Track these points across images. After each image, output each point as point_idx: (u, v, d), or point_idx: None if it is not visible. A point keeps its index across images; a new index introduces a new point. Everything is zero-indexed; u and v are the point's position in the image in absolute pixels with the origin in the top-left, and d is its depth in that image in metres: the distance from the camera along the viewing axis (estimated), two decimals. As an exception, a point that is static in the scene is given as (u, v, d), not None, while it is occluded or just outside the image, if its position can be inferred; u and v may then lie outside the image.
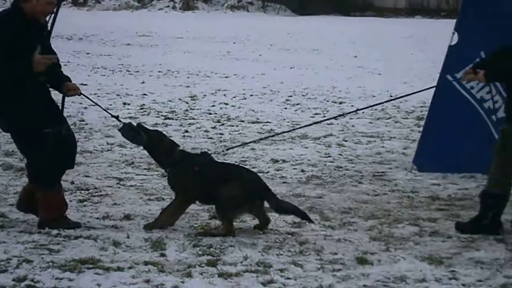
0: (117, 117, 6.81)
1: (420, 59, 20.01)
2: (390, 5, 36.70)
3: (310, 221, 6.63)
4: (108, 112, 7.07)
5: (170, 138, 6.93)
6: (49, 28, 6.59)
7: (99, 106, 7.22)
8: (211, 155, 6.85)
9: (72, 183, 8.03)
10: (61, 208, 6.55)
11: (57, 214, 6.50)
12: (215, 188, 6.48)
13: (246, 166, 9.02)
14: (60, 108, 6.68)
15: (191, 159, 6.68)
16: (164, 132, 7.22)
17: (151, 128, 6.80)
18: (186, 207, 6.68)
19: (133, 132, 6.65)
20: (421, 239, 6.55)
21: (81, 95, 6.74)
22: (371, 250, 6.19)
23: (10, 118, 6.39)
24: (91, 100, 7.11)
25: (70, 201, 7.34)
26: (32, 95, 6.34)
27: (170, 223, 6.56)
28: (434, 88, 8.94)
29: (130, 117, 11.96)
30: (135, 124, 6.85)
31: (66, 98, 6.76)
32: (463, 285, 5.51)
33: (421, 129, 9.80)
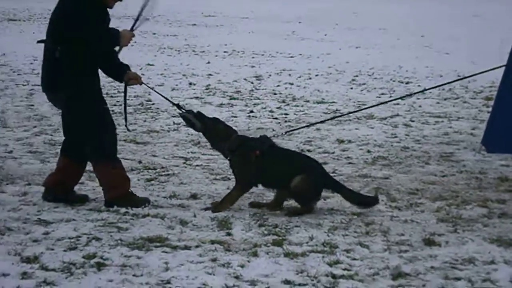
0: (178, 105, 6.83)
1: (488, 38, 19.64)
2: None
3: (376, 201, 6.59)
4: (169, 100, 7.06)
5: (228, 125, 6.91)
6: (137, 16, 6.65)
7: (160, 95, 7.23)
8: (271, 138, 6.82)
9: (140, 162, 8.13)
10: (124, 184, 6.59)
11: (122, 191, 6.56)
12: (282, 175, 6.48)
13: (311, 147, 9.02)
14: (123, 97, 6.74)
15: (249, 144, 6.68)
16: (223, 119, 7.21)
17: (208, 116, 6.81)
18: (246, 191, 6.70)
19: (189, 121, 6.70)
20: (490, 220, 6.46)
21: (142, 84, 6.77)
22: (439, 232, 6.12)
23: (70, 96, 6.44)
24: (153, 89, 7.14)
25: (138, 180, 7.46)
26: (92, 73, 6.47)
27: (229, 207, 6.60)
28: (504, 68, 8.77)
29: (196, 97, 12.05)
30: (194, 111, 6.85)
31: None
32: (533, 268, 5.41)
33: (489, 109, 9.64)
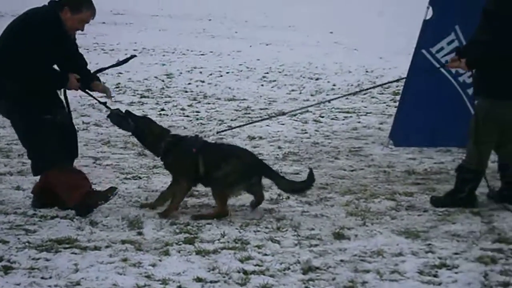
0: (105, 104, 6.71)
1: (395, 34, 20.01)
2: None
3: (311, 179, 6.52)
4: (97, 100, 6.81)
5: (160, 124, 6.80)
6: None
7: (89, 94, 6.92)
8: (202, 137, 6.78)
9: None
10: (80, 185, 6.36)
11: (85, 190, 6.34)
12: (215, 168, 6.40)
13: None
14: (64, 99, 6.58)
15: (186, 142, 6.57)
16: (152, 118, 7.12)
17: (140, 115, 6.71)
18: (189, 189, 6.57)
19: (121, 119, 6.57)
20: (398, 213, 6.59)
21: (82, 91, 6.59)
22: (348, 225, 6.21)
23: (13, 104, 6.30)
24: (86, 92, 6.84)
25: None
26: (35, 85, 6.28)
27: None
28: (410, 63, 8.95)
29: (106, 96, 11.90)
30: (122, 110, 6.74)
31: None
32: (440, 258, 5.54)
33: (397, 104, 9.83)
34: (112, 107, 6.71)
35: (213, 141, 7.02)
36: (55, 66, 6.45)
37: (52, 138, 6.33)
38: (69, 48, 6.44)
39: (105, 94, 6.60)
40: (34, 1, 6.56)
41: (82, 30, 6.42)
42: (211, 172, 6.42)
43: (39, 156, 6.36)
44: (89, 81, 6.54)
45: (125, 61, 6.86)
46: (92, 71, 6.62)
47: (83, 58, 6.62)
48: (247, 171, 6.46)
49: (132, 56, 6.95)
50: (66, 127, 6.45)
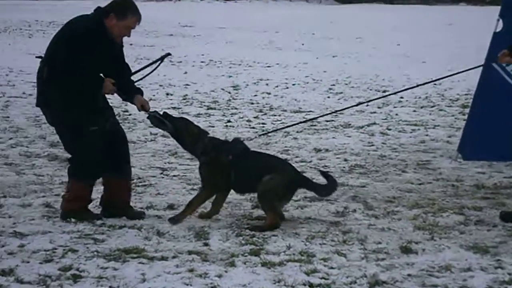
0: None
1: (464, 47, 19.79)
2: (434, -8, 36.35)
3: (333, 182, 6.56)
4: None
5: (198, 125, 6.81)
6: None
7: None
8: (244, 141, 6.73)
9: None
10: (84, 200, 6.55)
11: (79, 205, 6.50)
12: (254, 178, 6.42)
13: (288, 156, 9.02)
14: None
15: (223, 147, 6.58)
16: (195, 121, 7.15)
17: (177, 115, 6.74)
18: (210, 197, 6.58)
19: (158, 121, 6.62)
20: (466, 228, 6.48)
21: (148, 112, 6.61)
22: (416, 239, 6.14)
23: (58, 113, 6.42)
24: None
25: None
26: (80, 96, 6.36)
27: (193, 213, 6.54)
28: (479, 75, 8.82)
29: (173, 107, 12.03)
30: (160, 112, 6.73)
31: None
32: (509, 274, 5.43)
33: (465, 117, 9.70)
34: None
35: (254, 149, 6.97)
36: (101, 75, 6.51)
37: (93, 152, 6.41)
38: (116, 55, 6.49)
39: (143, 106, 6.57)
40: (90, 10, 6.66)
41: (129, 36, 6.45)
42: (248, 181, 6.41)
43: (76, 165, 6.49)
44: (132, 93, 6.56)
45: (160, 60, 6.82)
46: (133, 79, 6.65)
47: (129, 68, 6.65)
48: (292, 185, 6.46)
49: (167, 55, 6.91)
50: (115, 134, 6.52)
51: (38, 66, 6.47)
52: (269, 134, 9.66)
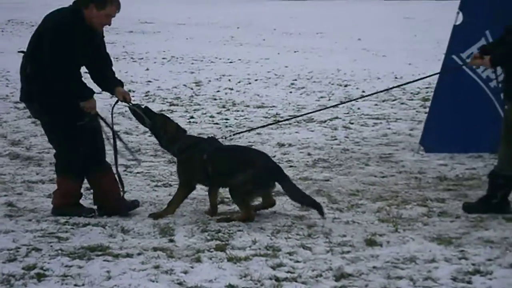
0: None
1: (424, 40, 19.94)
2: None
3: (320, 210, 6.43)
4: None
5: (176, 123, 6.85)
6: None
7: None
8: (218, 140, 6.80)
9: (79, 171, 8.02)
10: (73, 195, 6.54)
11: (69, 201, 6.51)
12: (229, 173, 6.42)
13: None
14: (111, 110, 6.63)
15: (199, 145, 6.61)
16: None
17: (157, 112, 6.76)
18: (189, 193, 6.65)
19: (138, 115, 6.65)
20: (430, 219, 6.54)
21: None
22: (380, 232, 6.18)
23: (44, 109, 6.38)
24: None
25: (78, 189, 7.35)
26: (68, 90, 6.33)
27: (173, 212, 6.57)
28: (440, 68, 8.90)
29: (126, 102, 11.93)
30: (142, 106, 6.81)
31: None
32: (473, 264, 5.49)
33: (427, 110, 9.77)
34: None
35: (229, 145, 6.96)
36: (83, 66, 6.49)
37: (82, 147, 6.38)
38: (97, 45, 6.47)
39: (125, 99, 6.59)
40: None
41: (109, 24, 6.44)
42: (225, 179, 6.42)
43: (63, 161, 6.50)
44: (113, 84, 6.58)
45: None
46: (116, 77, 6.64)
47: (110, 58, 6.65)
48: (266, 178, 6.45)
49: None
50: (95, 129, 6.49)
51: (21, 61, 6.40)
52: (234, 129, 9.66)
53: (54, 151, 6.64)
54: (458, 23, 8.68)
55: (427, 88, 13.03)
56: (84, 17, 6.29)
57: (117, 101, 6.68)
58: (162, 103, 12.18)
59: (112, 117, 6.69)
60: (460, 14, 8.66)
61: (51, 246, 5.79)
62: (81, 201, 6.63)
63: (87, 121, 6.37)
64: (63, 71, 6.24)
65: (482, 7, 8.60)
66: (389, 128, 10.38)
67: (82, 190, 6.65)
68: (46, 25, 6.34)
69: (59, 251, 5.67)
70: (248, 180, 6.35)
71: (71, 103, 6.33)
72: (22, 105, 6.61)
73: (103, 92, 6.70)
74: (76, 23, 6.27)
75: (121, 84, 6.64)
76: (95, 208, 6.58)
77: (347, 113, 11.35)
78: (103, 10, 6.31)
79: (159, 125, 6.66)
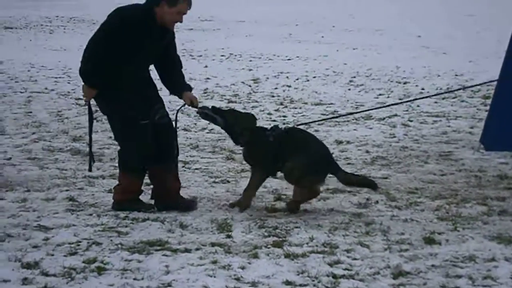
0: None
1: (485, 37, 19.67)
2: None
3: (375, 187, 6.61)
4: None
5: (248, 113, 6.89)
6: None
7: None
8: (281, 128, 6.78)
9: (139, 167, 8.12)
10: (133, 191, 6.62)
11: (129, 196, 6.59)
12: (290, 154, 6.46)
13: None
14: (175, 116, 6.71)
15: (264, 132, 6.63)
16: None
17: (225, 108, 6.81)
18: (265, 179, 6.67)
19: (209, 117, 6.68)
20: (490, 218, 6.46)
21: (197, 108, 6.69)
22: (439, 230, 6.12)
23: (109, 106, 6.48)
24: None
25: (137, 184, 7.44)
26: (130, 87, 6.39)
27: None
28: (501, 65, 8.78)
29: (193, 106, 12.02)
30: (209, 106, 6.82)
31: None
32: (534, 264, 5.41)
33: (487, 107, 9.65)
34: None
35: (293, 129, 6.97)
36: (152, 66, 6.55)
37: (140, 145, 6.46)
38: (167, 45, 6.52)
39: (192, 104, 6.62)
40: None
41: (181, 21, 6.47)
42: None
43: (126, 158, 6.57)
44: (181, 88, 6.62)
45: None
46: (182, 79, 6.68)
47: (180, 60, 6.70)
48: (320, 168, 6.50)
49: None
50: (163, 126, 6.54)
51: None
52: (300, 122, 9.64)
53: (114, 147, 6.75)
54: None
55: (487, 85, 12.85)
56: (156, 15, 6.33)
57: (183, 105, 6.72)
58: (220, 100, 12.24)
59: (176, 120, 6.73)
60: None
61: (111, 240, 5.87)
62: (142, 197, 6.72)
63: (152, 120, 6.41)
64: (98, 59, 6.27)
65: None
66: (448, 126, 10.28)
67: (143, 187, 6.73)
68: (111, 17, 6.38)
69: (119, 245, 5.75)
70: (305, 165, 6.40)
71: (135, 101, 6.38)
72: (83, 101, 6.72)
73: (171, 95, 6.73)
74: (146, 21, 6.30)
75: (189, 88, 6.67)
76: (153, 204, 6.66)
77: (406, 111, 11.27)
78: (175, 7, 6.35)
79: (232, 121, 6.67)
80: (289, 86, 13.54)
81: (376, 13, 26.54)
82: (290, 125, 7.03)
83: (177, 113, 6.75)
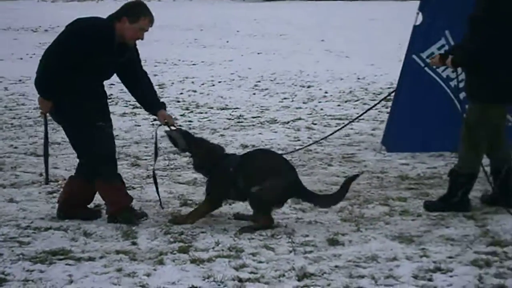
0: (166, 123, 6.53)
1: (386, 41, 20.08)
2: (355, -12, 36.70)
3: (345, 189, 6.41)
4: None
5: (216, 145, 6.70)
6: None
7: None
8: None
9: (41, 175, 7.96)
10: (124, 199, 6.44)
11: (123, 205, 6.40)
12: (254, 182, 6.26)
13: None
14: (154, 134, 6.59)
15: (225, 160, 6.42)
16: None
17: (195, 136, 6.74)
18: (213, 210, 6.48)
19: (172, 139, 6.53)
20: (391, 218, 6.59)
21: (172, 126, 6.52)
22: (342, 231, 6.21)
23: (65, 114, 6.31)
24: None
25: (39, 193, 7.31)
26: (85, 95, 6.28)
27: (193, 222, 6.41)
28: (401, 68, 8.98)
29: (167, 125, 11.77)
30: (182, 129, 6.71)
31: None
32: (434, 262, 5.55)
33: (388, 110, 9.84)
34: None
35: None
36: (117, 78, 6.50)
37: (105, 148, 6.32)
38: (129, 60, 6.37)
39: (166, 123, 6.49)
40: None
41: (142, 39, 6.35)
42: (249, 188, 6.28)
43: (89, 164, 6.36)
44: (155, 107, 6.52)
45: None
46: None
47: (147, 76, 6.56)
48: (289, 192, 6.37)
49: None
50: (110, 136, 6.44)
51: None
52: (197, 132, 9.64)
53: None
54: (418, 23, 8.76)
55: (389, 88, 13.13)
56: (115, 31, 6.19)
57: (159, 125, 6.60)
58: (125, 106, 12.13)
59: (156, 141, 6.66)
60: (420, 15, 8.74)
61: (12, 250, 5.74)
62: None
63: (106, 125, 6.32)
64: (52, 70, 6.13)
65: (441, 7, 8.68)
66: (351, 129, 10.44)
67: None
68: (71, 26, 6.23)
69: (21, 256, 5.63)
70: (275, 189, 6.24)
71: (91, 107, 6.26)
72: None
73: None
74: (103, 36, 6.15)
75: (163, 106, 6.55)
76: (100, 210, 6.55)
77: (310, 114, 11.40)
78: (136, 23, 6.24)
79: (199, 154, 6.45)
80: (195, 91, 13.54)
81: (280, 18, 26.78)
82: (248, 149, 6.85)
83: (156, 133, 6.65)
